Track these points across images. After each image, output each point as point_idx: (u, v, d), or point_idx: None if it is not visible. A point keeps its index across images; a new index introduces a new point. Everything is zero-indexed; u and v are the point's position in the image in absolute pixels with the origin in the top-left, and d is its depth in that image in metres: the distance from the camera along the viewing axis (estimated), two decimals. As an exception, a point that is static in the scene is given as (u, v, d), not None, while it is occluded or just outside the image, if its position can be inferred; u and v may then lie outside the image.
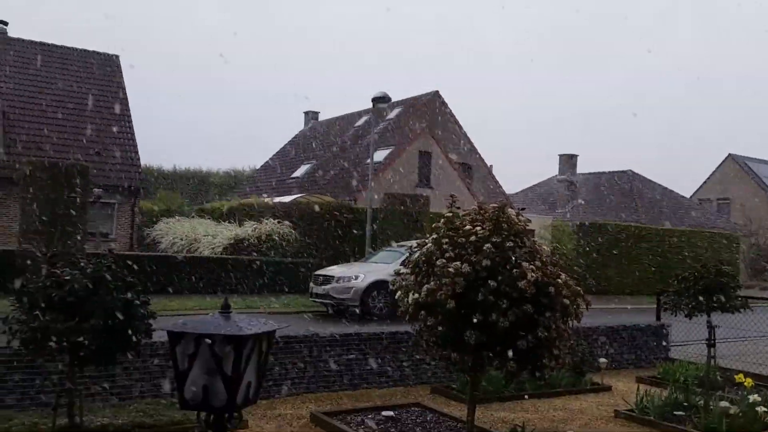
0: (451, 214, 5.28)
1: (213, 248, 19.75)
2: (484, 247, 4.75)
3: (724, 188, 47.10)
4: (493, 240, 4.84)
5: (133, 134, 25.59)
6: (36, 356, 4.26)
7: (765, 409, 6.63)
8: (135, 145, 25.25)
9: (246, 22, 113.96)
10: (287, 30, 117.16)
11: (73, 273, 4.02)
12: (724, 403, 6.42)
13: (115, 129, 25.32)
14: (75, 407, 3.99)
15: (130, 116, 26.23)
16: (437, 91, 33.73)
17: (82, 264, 4.18)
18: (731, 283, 6.62)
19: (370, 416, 6.60)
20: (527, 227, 5.22)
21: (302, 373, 7.66)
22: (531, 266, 4.63)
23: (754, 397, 6.83)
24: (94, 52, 28.05)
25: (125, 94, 27.01)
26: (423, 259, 5.15)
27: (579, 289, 5.02)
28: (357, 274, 14.54)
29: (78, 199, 14.30)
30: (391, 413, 6.71)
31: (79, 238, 14.30)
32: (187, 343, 2.92)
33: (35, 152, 21.91)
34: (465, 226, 5.10)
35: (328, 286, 14.54)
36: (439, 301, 4.80)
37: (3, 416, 5.43)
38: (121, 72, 27.90)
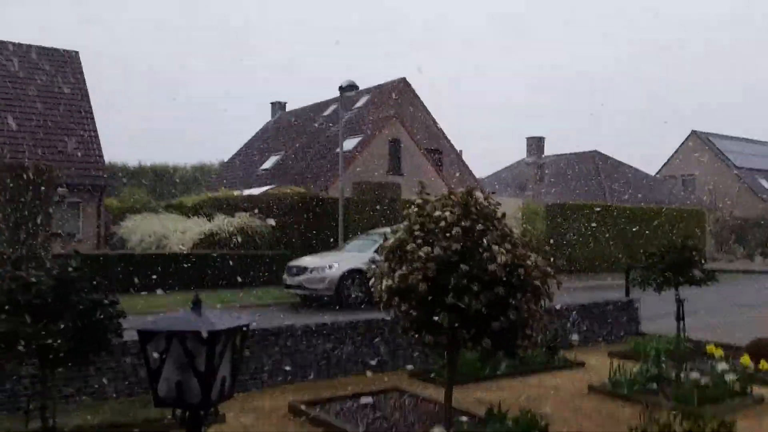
0: (422, 201, 5.30)
1: (183, 244, 19.53)
2: (453, 231, 4.78)
3: (688, 165, 47.99)
4: (463, 224, 4.87)
5: (95, 131, 25.11)
6: (4, 361, 4.18)
7: (734, 377, 6.81)
8: (98, 143, 24.78)
9: (205, 13, 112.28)
10: (251, 19, 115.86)
11: (38, 275, 3.94)
12: (694, 374, 6.58)
13: (77, 126, 24.81)
14: (48, 410, 3.92)
15: (92, 113, 25.71)
16: (404, 78, 33.71)
17: (48, 265, 4.09)
18: (697, 257, 6.75)
19: (349, 404, 6.61)
20: (497, 210, 5.26)
21: (279, 365, 7.64)
22: (501, 249, 4.67)
23: (722, 366, 7.01)
24: (53, 48, 27.39)
25: (86, 90, 26.46)
26: (395, 245, 5.16)
27: (549, 269, 5.08)
28: (331, 264, 14.53)
29: (42, 200, 14.02)
30: (369, 399, 6.73)
31: (44, 239, 14.03)
32: (158, 341, 2.89)
33: (-5, 153, 21.39)
34: (435, 212, 5.12)
35: (302, 277, 14.51)
36: (412, 286, 4.82)
37: (-27, 423, 5.33)
38: (82, 68, 27.31)
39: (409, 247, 4.93)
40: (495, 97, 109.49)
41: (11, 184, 13.58)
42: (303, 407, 6.41)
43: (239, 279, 18.12)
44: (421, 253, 4.76)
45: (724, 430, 3.93)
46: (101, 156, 24.63)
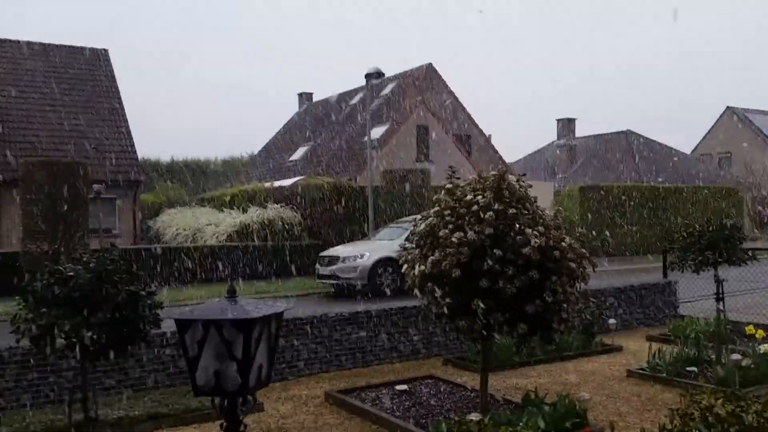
0: (451, 186, 5.25)
1: (217, 237, 19.75)
2: (486, 216, 4.73)
3: (724, 142, 46.87)
4: (495, 208, 4.81)
5: (128, 127, 25.48)
6: (45, 353, 4.27)
7: (777, 359, 6.65)
8: (131, 139, 25.16)
9: (232, 11, 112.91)
10: (272, 14, 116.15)
11: (76, 268, 4.00)
12: (735, 356, 6.44)
13: (110, 123, 25.22)
14: (89, 402, 4.00)
15: (123, 110, 26.09)
16: (431, 64, 33.46)
17: (85, 259, 4.16)
18: (736, 236, 6.59)
19: (384, 391, 6.63)
20: (528, 193, 5.19)
21: (314, 354, 7.69)
22: (534, 232, 4.60)
23: (765, 347, 6.84)
24: (82, 48, 27.83)
25: (117, 87, 26.85)
26: (427, 231, 5.13)
27: (584, 251, 5.00)
28: (362, 253, 14.54)
29: (79, 197, 14.28)
30: (405, 387, 6.74)
31: (81, 235, 14.30)
32: (195, 329, 2.92)
33: (32, 152, 21.85)
34: (466, 196, 5.07)
35: (334, 267, 14.55)
36: (445, 272, 4.79)
37: (20, 415, 5.46)
38: (111, 66, 27.70)
39: (441, 233, 4.89)
40: (526, 79, 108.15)
41: (48, 182, 13.85)
42: (339, 395, 6.45)
43: (272, 270, 18.29)
44: (453, 239, 4.72)
45: (769, 412, 3.83)
46: (135, 152, 25.01)
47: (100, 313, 3.75)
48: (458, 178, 5.38)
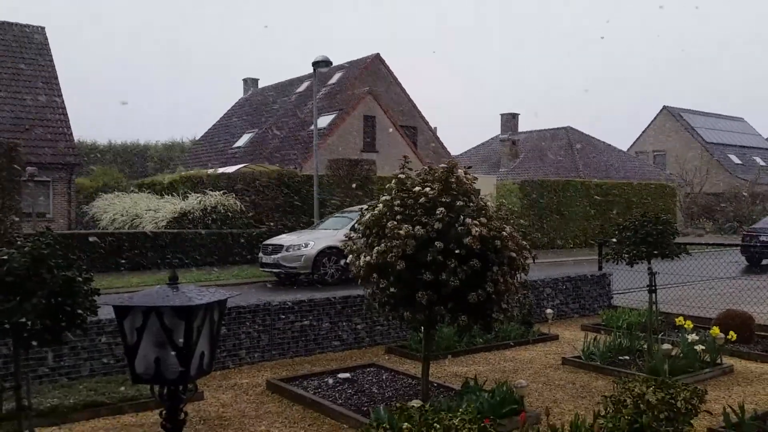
0: (403, 176, 5.28)
1: (156, 223, 19.30)
2: (437, 212, 4.77)
3: (659, 140, 48.62)
4: (443, 200, 4.87)
5: (64, 109, 24.58)
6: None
7: (703, 348, 6.97)
8: (67, 120, 24.28)
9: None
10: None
11: (10, 252, 3.85)
12: (666, 346, 6.70)
13: (44, 104, 24.25)
14: (22, 390, 3.87)
15: (60, 90, 25.14)
16: (378, 54, 33.47)
17: (19, 242, 4.00)
18: (669, 230, 6.85)
19: (326, 380, 6.64)
20: (474, 186, 5.27)
21: (256, 342, 7.63)
22: (475, 222, 4.68)
23: (692, 337, 7.16)
24: (18, 24, 26.64)
25: (53, 67, 25.83)
26: (373, 220, 5.14)
27: (524, 242, 5.11)
28: (307, 242, 14.49)
29: (11, 179, 13.71)
30: (347, 375, 6.77)
31: (15, 218, 13.76)
32: (134, 316, 2.86)
33: (-40, 131, 20.84)
34: (415, 187, 5.10)
35: (278, 255, 14.46)
36: (389, 263, 4.82)
37: (-55, 405, 5.24)
38: (48, 44, 26.62)
39: (389, 224, 4.91)
40: (469, 73, 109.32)
41: (-23, 163, 13.26)
42: (281, 383, 6.42)
43: (214, 258, 18.02)
44: (401, 231, 4.75)
45: (696, 399, 4.02)
46: (71, 134, 24.15)
47: (34, 298, 3.62)
48: (410, 169, 5.41)
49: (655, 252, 6.73)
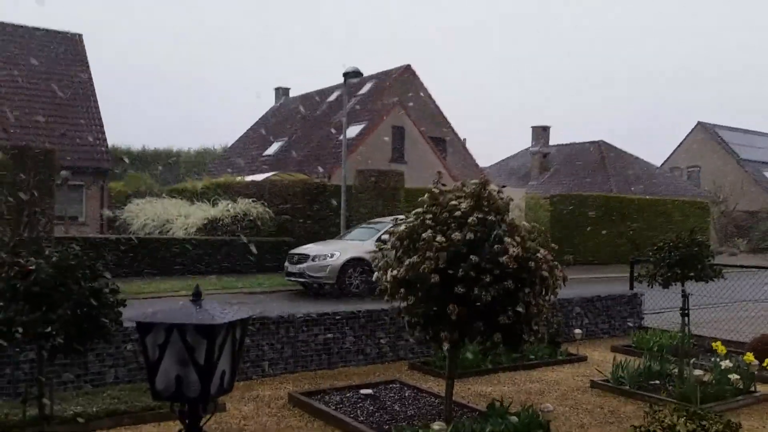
0: (437, 191, 5.23)
1: (186, 229, 19.50)
2: (469, 220, 4.71)
3: (693, 156, 47.77)
4: (476, 215, 4.80)
5: (99, 114, 25.04)
6: (1, 348, 4.13)
7: (737, 376, 6.75)
8: (101, 126, 24.72)
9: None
10: (253, 8, 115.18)
11: (38, 262, 3.88)
12: (698, 372, 6.51)
13: (80, 110, 24.73)
14: (45, 398, 3.89)
15: (95, 96, 25.63)
16: (409, 65, 33.49)
17: (47, 252, 4.03)
18: (705, 253, 6.67)
19: (348, 395, 6.58)
20: (507, 203, 5.19)
21: (279, 354, 7.60)
22: (512, 241, 4.60)
23: (725, 363, 6.95)
24: (56, 31, 27.26)
25: (90, 73, 26.35)
26: (405, 233, 5.09)
27: (556, 263, 5.01)
28: (333, 252, 14.47)
29: (45, 183, 13.97)
30: (369, 391, 6.70)
31: (46, 222, 13.99)
32: (157, 333, 2.83)
33: (-2, 135, 21.35)
34: (451, 201, 5.06)
35: (303, 265, 14.46)
36: (421, 276, 4.75)
37: (-28, 409, 5.29)
38: (85, 51, 27.19)
39: (424, 235, 4.85)
40: (501, 85, 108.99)
41: (13, 167, 13.51)
42: (302, 397, 6.38)
43: (241, 265, 18.12)
44: (436, 242, 4.69)
45: None
46: (104, 139, 24.58)
47: (60, 309, 3.63)
48: (444, 185, 5.37)
49: (690, 274, 6.55)
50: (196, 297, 2.95)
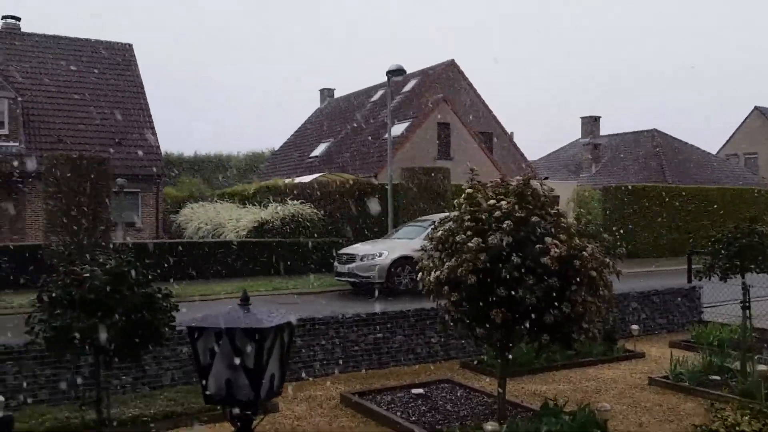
0: (471, 190, 5.15)
1: (237, 232, 19.82)
2: (504, 225, 4.62)
3: (751, 142, 45.98)
4: (518, 215, 4.71)
5: (151, 122, 25.69)
6: (60, 355, 4.26)
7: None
8: (154, 133, 25.36)
9: (253, 7, 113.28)
10: (296, 11, 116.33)
11: (92, 269, 3.98)
12: (762, 366, 6.25)
13: (133, 118, 25.42)
14: (102, 403, 3.99)
15: (147, 104, 26.30)
16: (453, 60, 33.25)
17: (101, 260, 4.14)
18: (766, 242, 6.40)
19: (400, 395, 6.56)
20: (552, 198, 5.08)
21: (330, 354, 7.64)
22: (555, 241, 4.50)
23: (793, 359, 6.66)
24: (106, 42, 28.09)
25: (141, 82, 27.05)
26: (444, 236, 5.04)
27: (607, 260, 4.88)
28: (381, 251, 14.48)
29: (101, 190, 14.40)
30: (421, 391, 6.67)
31: (104, 229, 14.42)
32: (207, 337, 2.87)
33: (55, 145, 22.12)
34: (488, 201, 4.98)
35: (352, 265, 14.52)
36: (460, 278, 4.70)
37: (36, 411, 5.49)
38: (136, 60, 27.93)
39: (458, 238, 4.80)
40: (549, 75, 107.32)
41: (71, 176, 13.97)
42: (355, 398, 6.39)
43: (292, 266, 18.30)
44: (471, 244, 4.63)
45: (798, 431, 3.69)
46: (158, 146, 25.21)
47: (115, 315, 3.73)
48: (479, 182, 5.28)
49: (751, 266, 6.30)
50: (244, 301, 2.98)
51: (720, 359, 7.27)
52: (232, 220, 20.70)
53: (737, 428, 3.68)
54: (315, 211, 20.20)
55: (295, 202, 20.28)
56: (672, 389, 6.82)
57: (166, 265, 14.54)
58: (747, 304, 6.94)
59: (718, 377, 6.91)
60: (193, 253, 17.52)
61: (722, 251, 6.45)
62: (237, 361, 2.83)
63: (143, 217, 24.37)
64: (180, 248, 17.34)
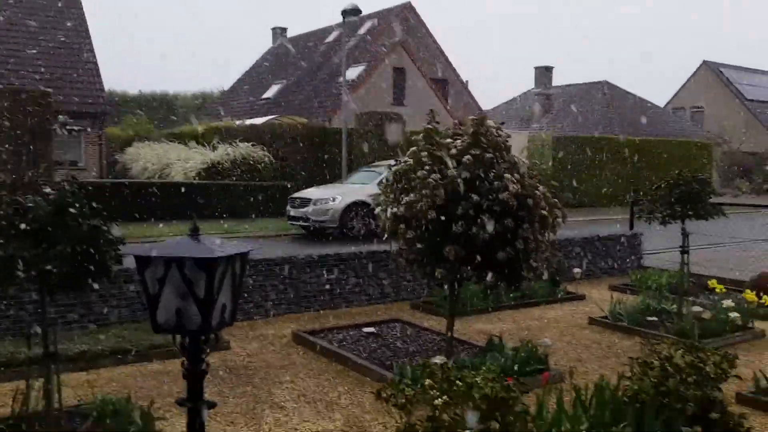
0: (431, 127, 5.17)
1: (186, 174, 19.44)
2: (464, 159, 4.67)
3: (697, 96, 47.12)
4: (473, 152, 4.75)
5: (94, 57, 24.60)
6: (4, 289, 4.15)
7: (737, 314, 6.80)
8: (97, 69, 24.33)
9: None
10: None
11: (35, 200, 3.85)
12: (696, 308, 6.58)
13: (76, 53, 24.29)
14: (49, 336, 3.92)
15: (90, 40, 25.13)
16: (410, 2, 32.72)
17: (45, 191, 4.00)
18: (706, 190, 6.64)
19: (351, 333, 6.67)
20: (507, 140, 5.14)
21: (282, 295, 7.67)
22: (512, 178, 4.57)
23: (727, 303, 7.01)
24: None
25: (83, 17, 25.78)
26: (402, 172, 5.06)
27: (556, 201, 5.00)
28: (334, 196, 14.46)
29: (43, 127, 13.83)
30: (372, 329, 6.79)
31: (47, 166, 13.92)
32: (156, 267, 2.83)
33: (-7, 79, 21.04)
34: (446, 139, 5.01)
35: (305, 209, 14.48)
36: (419, 214, 4.75)
37: (-21, 348, 5.38)
38: (78, -7, 26.52)
39: (418, 173, 4.83)
40: (505, 26, 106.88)
41: (11, 110, 13.36)
42: (306, 335, 6.47)
43: (242, 210, 18.12)
44: (430, 180, 4.66)
45: (726, 364, 3.91)
46: (101, 83, 24.22)
47: (59, 246, 3.63)
48: (438, 123, 5.30)
49: (690, 212, 6.53)
50: (194, 232, 2.94)
51: (657, 302, 7.60)
52: (180, 161, 20.27)
53: (671, 361, 3.87)
54: (266, 154, 19.92)
55: (246, 144, 19.94)
56: (611, 329, 7.11)
57: (110, 205, 14.19)
58: (686, 250, 7.22)
59: (655, 318, 7.23)
60: (140, 194, 17.12)
61: (664, 197, 6.65)
62: (187, 290, 2.81)
63: (87, 157, 23.59)
64: (125, 188, 16.92)
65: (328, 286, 7.97)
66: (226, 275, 2.90)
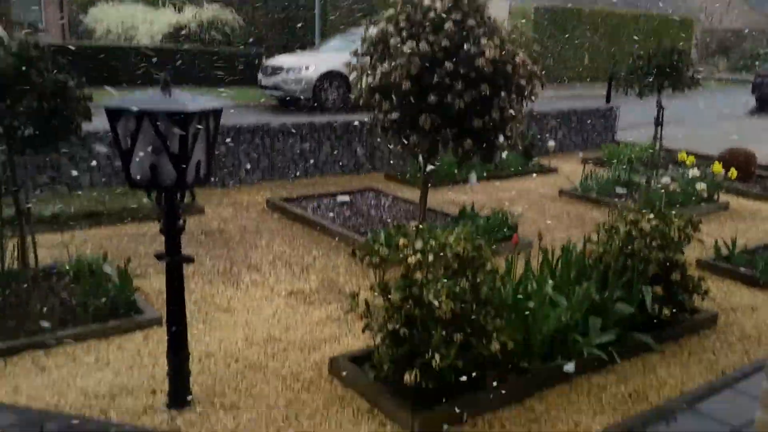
0: None
1: (152, 37, 18.60)
2: (445, 26, 4.49)
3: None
4: (453, 17, 4.57)
5: None
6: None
7: (704, 185, 6.97)
8: None
9: None
10: None
11: (-4, 53, 3.67)
12: (665, 179, 6.72)
13: None
14: (19, 196, 3.88)
15: None
16: None
17: (6, 44, 3.80)
18: (685, 61, 6.58)
19: (326, 201, 6.72)
20: (487, 4, 4.94)
21: (256, 163, 7.63)
22: (490, 42, 4.43)
23: (692, 172, 7.16)
24: None
25: None
26: (378, 38, 4.88)
27: (536, 69, 4.90)
28: (308, 65, 14.02)
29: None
30: (346, 198, 6.85)
31: (5, 27, 13.18)
32: (128, 121, 2.76)
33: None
34: (424, 2, 4.79)
35: (278, 77, 14.06)
36: (394, 83, 4.64)
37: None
38: None
39: (392, 42, 4.66)
40: None
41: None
42: (280, 202, 6.51)
43: (210, 77, 17.54)
44: (405, 49, 4.51)
45: (690, 228, 4.05)
46: (56, -64, 22.49)
47: (25, 101, 3.50)
48: None
49: (667, 83, 6.51)
50: (165, 85, 2.83)
51: (627, 174, 7.74)
52: (146, 23, 19.31)
53: (637, 225, 4.00)
54: (236, 17, 19.06)
55: (215, 5, 19.00)
56: (580, 200, 7.28)
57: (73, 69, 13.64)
58: (660, 122, 7.27)
59: (624, 190, 7.38)
60: (103, 58, 16.40)
61: (642, 68, 6.60)
62: (161, 145, 2.75)
63: (46, 18, 22.33)
64: (88, 51, 16.19)
65: (302, 156, 7.92)
66: (200, 132, 2.85)
